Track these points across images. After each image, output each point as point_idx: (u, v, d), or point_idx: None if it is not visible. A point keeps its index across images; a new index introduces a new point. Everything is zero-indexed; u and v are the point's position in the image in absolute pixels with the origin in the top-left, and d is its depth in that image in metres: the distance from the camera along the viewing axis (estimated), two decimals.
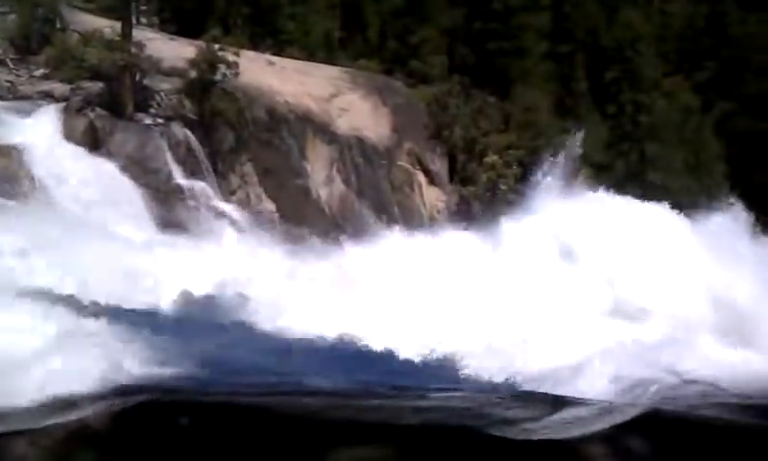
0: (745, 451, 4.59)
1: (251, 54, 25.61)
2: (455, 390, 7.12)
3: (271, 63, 26.49)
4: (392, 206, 26.05)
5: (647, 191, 28.26)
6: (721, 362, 13.07)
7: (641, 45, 31.00)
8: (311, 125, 24.85)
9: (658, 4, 39.21)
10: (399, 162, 26.84)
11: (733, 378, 12.04)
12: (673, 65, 34.86)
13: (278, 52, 28.72)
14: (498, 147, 28.34)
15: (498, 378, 11.65)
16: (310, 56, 29.38)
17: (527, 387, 10.26)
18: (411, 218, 25.88)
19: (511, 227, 21.73)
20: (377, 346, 12.37)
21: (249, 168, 23.22)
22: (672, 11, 38.09)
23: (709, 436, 4.83)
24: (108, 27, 22.81)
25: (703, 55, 35.58)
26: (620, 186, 26.99)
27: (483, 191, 27.27)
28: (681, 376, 12.20)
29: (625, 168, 30.14)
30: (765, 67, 34.31)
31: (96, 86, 21.34)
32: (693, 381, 11.80)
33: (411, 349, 12.04)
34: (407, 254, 20.46)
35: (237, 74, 22.93)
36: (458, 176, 28.15)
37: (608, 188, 24.87)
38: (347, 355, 12.10)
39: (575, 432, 4.71)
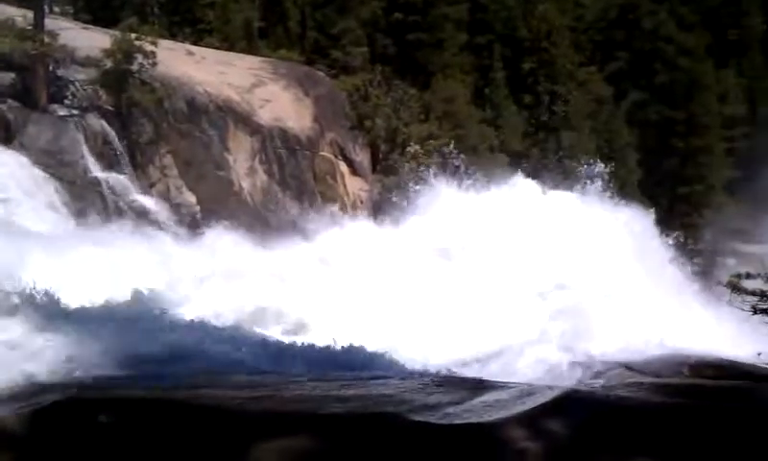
0: (657, 428, 4.79)
1: (169, 43, 25.16)
2: (378, 377, 7.21)
3: (190, 53, 26.08)
4: (315, 197, 26.02)
5: (563, 179, 29.03)
6: (634, 346, 13.55)
7: (556, 37, 31.71)
8: (232, 115, 24.59)
9: None
10: (322, 153, 26.82)
11: (646, 360, 12.54)
12: (587, 56, 35.78)
13: (198, 41, 28.31)
14: (420, 137, 28.65)
15: (421, 365, 11.88)
16: (230, 46, 29.06)
17: (450, 372, 10.47)
18: (334, 207, 25.91)
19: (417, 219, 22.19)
20: (300, 337, 12.43)
21: (168, 160, 22.83)
22: (586, 3, 39.08)
23: (624, 415, 5.00)
24: (20, 16, 22.04)
25: (615, 46, 36.67)
26: (537, 174, 27.70)
27: (405, 181, 27.49)
28: (597, 360, 12.63)
29: (542, 156, 30.84)
30: (674, 58, 35.58)
31: (7, 77, 20.63)
32: (609, 364, 12.25)
33: (333, 338, 12.14)
34: (321, 246, 20.63)
35: (155, 64, 22.48)
36: (380, 166, 28.33)
37: (525, 176, 25.59)
38: (271, 347, 12.14)
39: (496, 415, 4.83)
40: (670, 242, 28.33)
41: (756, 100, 41.96)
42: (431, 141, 28.63)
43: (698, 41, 36.85)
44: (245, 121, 24.83)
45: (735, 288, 9.88)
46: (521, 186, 24.30)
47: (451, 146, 27.01)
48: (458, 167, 26.04)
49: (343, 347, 11.77)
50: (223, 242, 19.63)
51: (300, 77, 27.99)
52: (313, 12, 33.01)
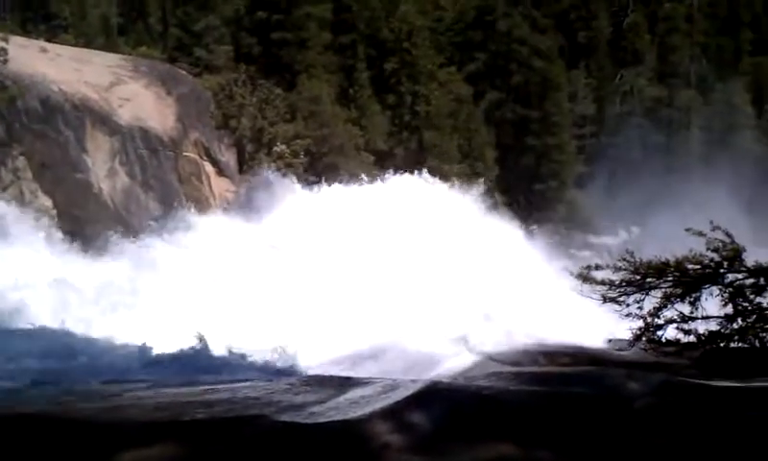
0: (514, 415, 5.08)
1: (22, 40, 24.09)
2: (244, 380, 7.26)
3: (44, 50, 25.02)
4: (179, 199, 25.55)
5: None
6: (494, 337, 14.15)
7: (417, 38, 32.41)
8: (90, 115, 23.78)
9: None
10: (186, 153, 26.37)
11: (507, 350, 13.15)
12: (447, 57, 36.77)
13: (52, 38, 27.16)
14: (286, 137, 28.67)
15: (289, 365, 12.01)
16: (87, 43, 28.05)
17: (317, 371, 10.64)
18: (200, 210, 25.52)
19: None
20: (160, 343, 12.26)
21: (22, 162, 21.86)
22: (445, 5, 40.13)
23: (483, 404, 5.27)
24: None
25: (473, 47, 37.86)
26: (402, 172, 28.29)
27: (272, 180, 27.42)
28: (461, 352, 13.11)
29: (405, 155, 31.49)
30: (528, 59, 37.12)
31: None
32: (472, 355, 12.77)
33: (195, 343, 12.09)
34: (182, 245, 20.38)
35: (6, 61, 21.51)
36: (247, 166, 28.13)
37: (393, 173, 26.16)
38: (133, 355, 11.93)
39: (360, 411, 5.02)
40: (528, 235, 29.75)
41: (603, 100, 44.47)
42: (297, 141, 28.73)
43: (550, 43, 38.57)
44: (103, 121, 24.09)
45: (586, 279, 10.47)
46: (393, 182, 24.70)
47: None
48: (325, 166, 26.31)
49: (207, 350, 11.73)
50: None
51: (162, 75, 27.41)
52: (174, 8, 32.35)
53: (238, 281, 17.67)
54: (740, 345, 9.80)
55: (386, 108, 32.43)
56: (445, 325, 15.24)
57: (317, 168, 28.24)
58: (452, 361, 12.74)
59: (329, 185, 25.04)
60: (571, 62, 43.94)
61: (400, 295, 17.92)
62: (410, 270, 19.29)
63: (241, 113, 28.20)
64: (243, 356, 11.99)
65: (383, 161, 29.52)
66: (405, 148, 31.78)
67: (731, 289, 9.80)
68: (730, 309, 9.79)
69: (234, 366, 11.44)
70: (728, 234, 9.69)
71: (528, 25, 38.18)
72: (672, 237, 10.63)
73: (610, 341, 11.14)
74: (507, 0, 37.97)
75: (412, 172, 27.08)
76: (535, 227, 36.43)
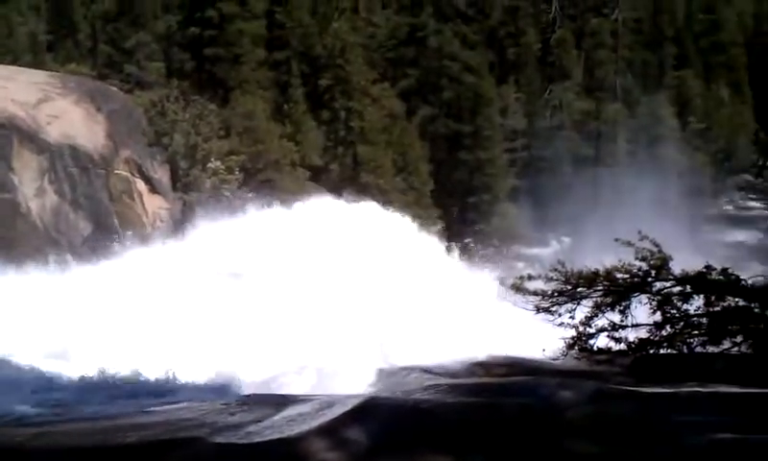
0: (451, 426, 5.15)
1: None
2: (178, 402, 7.13)
3: None
4: (111, 217, 25.09)
5: (362, 192, 29.92)
6: (431, 350, 14.25)
7: (351, 54, 32.56)
8: (17, 133, 23.23)
9: (364, 14, 41.39)
10: (117, 171, 25.93)
11: (444, 363, 13.25)
12: (380, 73, 37.03)
13: None
14: (220, 153, 28.46)
15: (225, 385, 11.88)
16: (14, 60, 27.38)
17: (253, 391, 10.57)
18: (132, 228, 25.11)
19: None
20: (92, 366, 12.02)
21: None
22: (377, 22, 40.42)
23: (420, 417, 5.34)
24: None
25: (406, 63, 38.24)
26: (337, 188, 28.40)
27: (207, 198, 27.19)
28: (398, 366, 13.15)
29: (340, 171, 31.58)
30: (459, 75, 37.63)
31: None
32: (409, 369, 12.82)
33: (131, 366, 11.89)
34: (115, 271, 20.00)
35: None
36: (181, 183, 27.81)
37: (327, 190, 26.16)
38: (64, 381, 11.67)
39: (297, 429, 5.02)
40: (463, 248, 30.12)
41: (533, 114, 45.32)
42: (232, 157, 28.55)
43: (480, 59, 39.18)
44: (31, 139, 23.54)
45: (519, 289, 10.66)
46: (319, 202, 24.71)
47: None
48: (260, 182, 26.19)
49: (141, 374, 11.54)
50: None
51: (92, 92, 26.93)
52: (105, 25, 31.85)
53: (174, 304, 17.41)
54: (669, 351, 10.06)
55: (321, 123, 32.49)
56: (379, 340, 15.26)
57: (252, 184, 28.10)
58: (388, 376, 12.76)
59: (267, 204, 24.84)
60: (501, 78, 44.68)
61: (334, 313, 17.87)
62: (343, 288, 19.23)
63: (174, 130, 27.89)
64: (179, 379, 11.83)
65: (318, 177, 29.55)
66: (340, 163, 31.86)
67: (659, 297, 10.07)
68: (658, 317, 10.06)
69: (170, 389, 11.29)
70: (655, 244, 9.98)
71: (459, 41, 38.70)
72: (602, 247, 10.87)
73: (543, 350, 11.29)
74: (438, 17, 38.45)
75: (347, 187, 27.20)
76: (469, 239, 36.94)
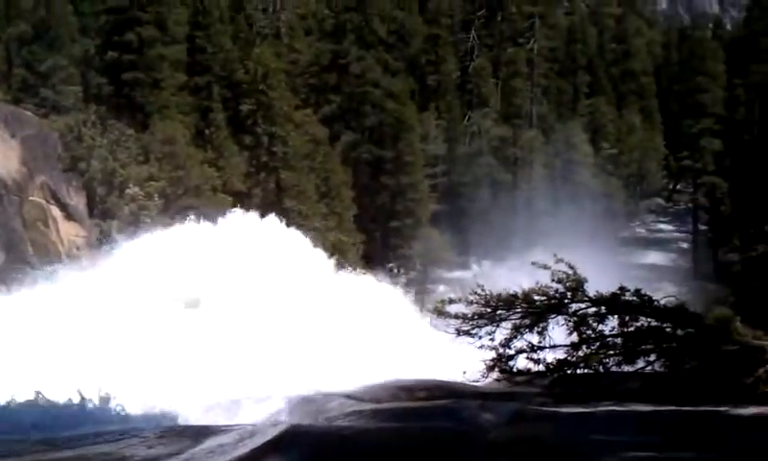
0: (374, 452, 5.22)
1: None
2: (95, 435, 6.90)
3: None
4: (24, 245, 24.37)
5: (284, 217, 29.84)
6: (354, 375, 14.31)
7: (273, 80, 32.53)
8: None
9: (287, 40, 41.48)
10: (32, 198, 25.25)
11: (366, 388, 13.30)
12: (303, 99, 37.14)
13: None
14: (139, 179, 28.00)
15: (145, 417, 11.63)
16: None
17: (174, 422, 10.40)
18: (47, 256, 24.44)
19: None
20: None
21: None
22: (300, 48, 40.54)
23: (343, 444, 5.37)
24: None
25: (328, 89, 38.45)
26: (260, 213, 28.21)
27: (125, 224, 26.68)
28: (319, 393, 13.12)
29: (263, 196, 31.42)
30: (381, 101, 38.05)
31: None
32: (331, 396, 12.82)
33: (38, 398, 11.56)
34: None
35: None
36: (98, 209, 27.23)
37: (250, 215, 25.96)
38: None
39: (217, 460, 4.98)
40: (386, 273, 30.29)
41: (453, 140, 46.12)
42: (151, 183, 28.13)
43: (402, 86, 39.73)
44: None
45: (441, 313, 10.76)
46: (237, 221, 24.40)
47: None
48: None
49: (56, 405, 11.21)
50: None
51: (6, 117, 26.25)
52: (19, 48, 31.04)
53: (92, 331, 17.02)
54: (586, 371, 10.33)
55: (243, 148, 32.31)
56: (301, 366, 15.21)
57: (172, 210, 27.71)
58: (310, 403, 12.69)
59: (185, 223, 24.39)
60: (422, 104, 45.42)
61: (254, 338, 17.73)
62: (264, 314, 19.09)
63: (91, 155, 27.35)
64: (96, 410, 11.54)
65: (241, 202, 29.32)
66: (263, 189, 31.71)
67: (575, 318, 10.31)
68: (575, 337, 10.31)
69: (87, 419, 10.99)
70: (570, 266, 10.24)
71: (381, 68, 39.17)
72: (520, 270, 11.12)
73: (464, 373, 11.44)
74: (360, 44, 38.83)
75: (270, 213, 27.02)
76: (392, 264, 37.21)
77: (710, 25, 78.97)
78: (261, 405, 12.82)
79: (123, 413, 11.76)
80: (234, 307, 18.91)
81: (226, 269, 20.79)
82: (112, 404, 12.01)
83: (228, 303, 19.12)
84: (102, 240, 26.24)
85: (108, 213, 27.15)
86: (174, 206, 28.10)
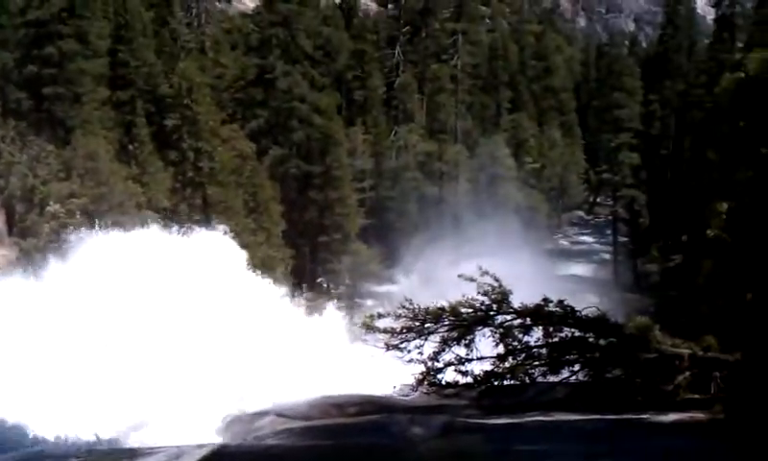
0: None
1: None
2: (23, 457, 6.76)
3: None
4: None
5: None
6: (284, 392, 14.27)
7: (198, 94, 32.22)
8: None
9: (212, 55, 41.16)
10: None
11: (296, 405, 13.28)
12: (229, 114, 36.89)
13: None
14: (60, 196, 27.37)
15: (65, 439, 11.38)
16: None
17: (97, 443, 10.23)
18: None
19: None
20: None
21: None
22: (225, 62, 40.28)
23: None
24: None
25: (255, 104, 38.30)
26: (187, 229, 27.81)
27: (46, 242, 26.01)
28: (250, 411, 13.06)
29: (189, 212, 31.04)
30: (308, 116, 38.09)
31: None
32: (261, 414, 12.77)
33: None
34: None
35: None
36: (17, 227, 26.48)
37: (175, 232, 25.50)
38: None
39: None
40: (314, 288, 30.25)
41: (380, 155, 46.50)
42: (73, 200, 27.52)
43: (329, 101, 39.88)
44: None
45: (370, 328, 10.83)
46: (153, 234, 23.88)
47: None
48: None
49: None
50: None
51: None
52: None
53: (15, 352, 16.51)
54: (512, 382, 10.56)
55: (168, 164, 31.88)
56: (229, 385, 15.08)
57: (95, 228, 27.10)
58: (239, 422, 12.61)
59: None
60: (349, 120, 45.68)
61: (180, 358, 17.47)
62: (190, 332, 18.80)
63: (10, 172, 26.65)
64: (13, 433, 11.25)
65: (167, 219, 28.90)
66: (189, 204, 31.33)
67: (501, 330, 10.53)
68: (501, 349, 10.53)
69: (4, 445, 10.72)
70: (496, 279, 10.47)
71: (307, 83, 39.24)
72: (448, 283, 11.27)
73: (394, 387, 11.53)
74: (286, 59, 38.80)
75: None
76: (321, 278, 37.23)
77: (627, 43, 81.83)
78: (189, 425, 12.68)
79: (46, 436, 11.52)
80: (161, 326, 18.59)
81: (152, 284, 20.41)
82: (32, 428, 11.74)
83: (155, 321, 18.78)
84: (22, 260, 25.49)
85: (28, 231, 26.41)
86: (96, 223, 27.51)
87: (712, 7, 48.15)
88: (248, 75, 38.85)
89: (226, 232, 25.25)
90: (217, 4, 49.01)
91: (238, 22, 48.24)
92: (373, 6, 70.14)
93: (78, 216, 27.24)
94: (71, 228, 26.55)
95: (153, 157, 31.70)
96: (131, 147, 31.58)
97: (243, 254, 24.38)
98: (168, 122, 32.17)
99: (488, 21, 75.35)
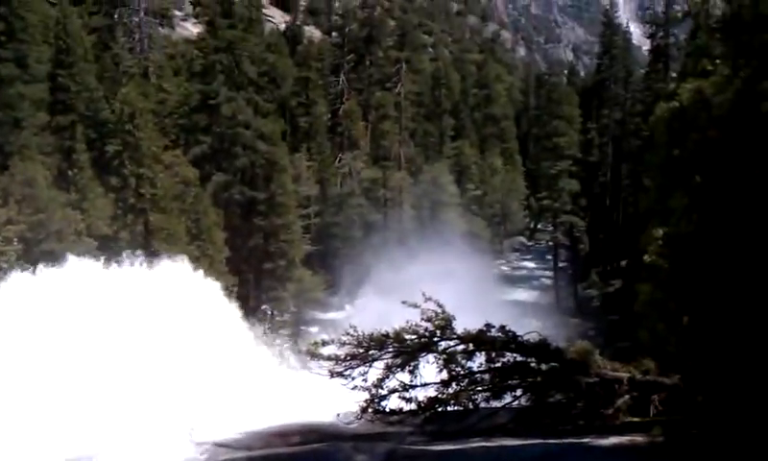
0: None
1: None
2: None
3: None
4: None
5: (154, 261, 29.10)
6: (226, 422, 14.09)
7: (141, 120, 31.81)
8: None
9: (155, 80, 40.80)
10: None
11: (238, 435, 13.11)
12: (172, 140, 36.51)
13: None
14: None
15: None
16: None
17: None
18: None
19: None
20: None
21: None
22: (168, 88, 39.96)
23: None
24: None
25: (198, 130, 37.99)
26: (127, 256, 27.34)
27: None
28: (191, 442, 12.87)
29: (131, 239, 30.52)
30: (252, 142, 37.92)
31: None
32: (202, 444, 12.60)
33: None
34: None
35: None
36: None
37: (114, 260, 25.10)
38: None
39: None
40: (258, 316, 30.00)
41: (325, 181, 46.61)
42: (10, 227, 26.87)
43: (273, 127, 39.80)
44: None
45: (314, 355, 10.81)
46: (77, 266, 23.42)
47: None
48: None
49: None
50: None
51: None
52: None
53: None
54: (456, 408, 10.63)
55: (109, 190, 31.30)
56: (170, 416, 14.83)
57: (33, 256, 26.47)
58: (180, 453, 12.41)
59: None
60: (294, 146, 45.73)
61: (123, 388, 17.16)
62: (124, 363, 18.45)
63: None
64: None
65: (107, 246, 28.37)
66: (130, 231, 30.77)
67: (444, 356, 10.61)
68: (445, 375, 10.61)
69: None
70: (439, 305, 10.56)
71: (252, 109, 39.14)
72: (392, 309, 11.31)
73: (338, 415, 11.49)
74: (230, 85, 38.68)
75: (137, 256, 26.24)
76: (266, 306, 36.93)
77: (565, 72, 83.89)
78: (127, 457, 12.43)
79: None
80: (98, 357, 18.24)
81: (92, 315, 20.03)
82: None
83: (92, 353, 18.41)
84: None
85: None
86: (34, 251, 26.88)
87: (647, 38, 49.57)
88: (191, 101, 38.55)
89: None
90: (160, 29, 48.70)
91: (182, 48, 47.97)
92: (318, 33, 70.72)
93: (15, 243, 26.59)
94: (7, 255, 25.99)
95: (93, 184, 31.12)
96: (70, 173, 30.96)
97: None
98: (109, 148, 31.62)
99: (430, 50, 76.54)
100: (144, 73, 40.69)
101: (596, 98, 53.50)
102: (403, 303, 10.58)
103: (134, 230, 30.85)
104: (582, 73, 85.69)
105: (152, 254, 29.63)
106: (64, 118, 32.55)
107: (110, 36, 41.06)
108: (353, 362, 10.56)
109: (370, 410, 10.47)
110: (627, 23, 66.10)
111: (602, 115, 51.94)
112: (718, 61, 10.73)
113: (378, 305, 27.94)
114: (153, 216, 31.05)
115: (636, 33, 76.62)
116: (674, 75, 42.74)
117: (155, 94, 38.14)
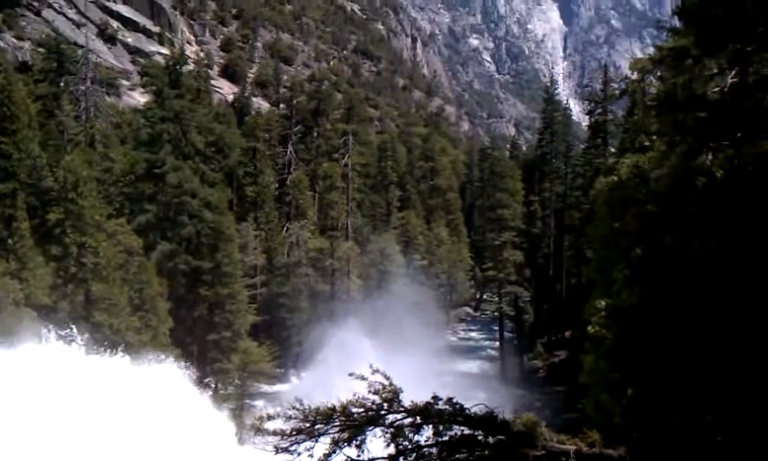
0: None
1: None
2: None
3: None
4: None
5: (94, 332, 28.47)
6: None
7: (84, 188, 31.43)
8: None
9: (100, 148, 40.49)
10: None
11: None
12: (116, 208, 36.08)
13: None
14: None
15: None
16: None
17: None
18: None
19: None
20: None
21: None
22: (114, 156, 39.64)
23: None
24: None
25: (144, 199, 37.62)
26: (66, 327, 26.71)
27: None
28: None
29: (71, 309, 29.85)
30: (199, 211, 37.69)
31: None
32: None
33: None
34: None
35: None
36: None
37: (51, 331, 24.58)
38: None
39: None
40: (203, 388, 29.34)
41: (272, 251, 46.43)
42: None
43: (220, 196, 39.70)
44: None
45: (259, 430, 10.60)
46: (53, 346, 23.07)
47: None
48: None
49: None
50: None
51: None
52: None
53: None
54: None
55: (50, 259, 30.67)
56: None
57: None
58: None
59: None
60: (241, 215, 45.57)
61: None
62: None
63: None
64: None
65: (46, 317, 27.68)
66: (70, 301, 30.12)
67: (392, 429, 10.51)
68: (392, 449, 10.50)
69: None
70: (386, 377, 10.50)
71: (198, 179, 39.03)
72: (339, 381, 11.24)
73: None
74: (177, 154, 38.58)
75: (77, 328, 25.72)
76: (209, 378, 36.21)
77: (508, 146, 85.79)
78: None
79: None
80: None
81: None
82: None
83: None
84: None
85: None
86: None
87: (586, 114, 51.15)
88: (137, 169, 38.26)
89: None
90: (107, 98, 48.57)
91: (128, 116, 47.84)
92: (266, 105, 71.26)
93: None
94: None
95: (33, 252, 30.46)
96: (10, 241, 30.28)
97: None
98: (51, 216, 31.11)
99: (377, 123, 77.70)
100: (90, 141, 40.40)
101: (538, 171, 54.74)
102: (350, 374, 10.50)
103: (75, 301, 30.22)
104: (524, 147, 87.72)
105: (93, 326, 29.04)
106: (5, 185, 31.93)
107: (56, 103, 40.78)
108: (299, 437, 10.35)
109: None
110: (567, 100, 68.33)
111: (544, 188, 53.10)
112: (654, 138, 11.15)
113: (325, 377, 27.71)
114: (94, 286, 30.47)
115: (576, 109, 79.16)
116: (612, 150, 44.06)
117: (100, 162, 37.83)
